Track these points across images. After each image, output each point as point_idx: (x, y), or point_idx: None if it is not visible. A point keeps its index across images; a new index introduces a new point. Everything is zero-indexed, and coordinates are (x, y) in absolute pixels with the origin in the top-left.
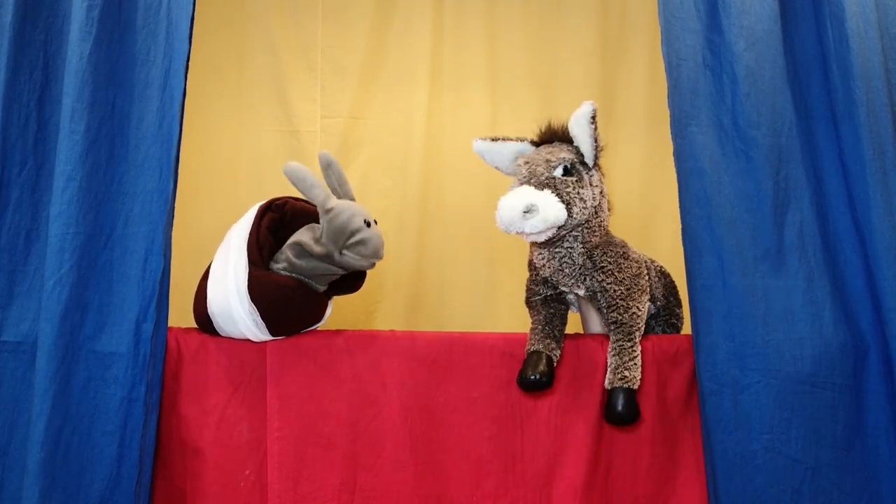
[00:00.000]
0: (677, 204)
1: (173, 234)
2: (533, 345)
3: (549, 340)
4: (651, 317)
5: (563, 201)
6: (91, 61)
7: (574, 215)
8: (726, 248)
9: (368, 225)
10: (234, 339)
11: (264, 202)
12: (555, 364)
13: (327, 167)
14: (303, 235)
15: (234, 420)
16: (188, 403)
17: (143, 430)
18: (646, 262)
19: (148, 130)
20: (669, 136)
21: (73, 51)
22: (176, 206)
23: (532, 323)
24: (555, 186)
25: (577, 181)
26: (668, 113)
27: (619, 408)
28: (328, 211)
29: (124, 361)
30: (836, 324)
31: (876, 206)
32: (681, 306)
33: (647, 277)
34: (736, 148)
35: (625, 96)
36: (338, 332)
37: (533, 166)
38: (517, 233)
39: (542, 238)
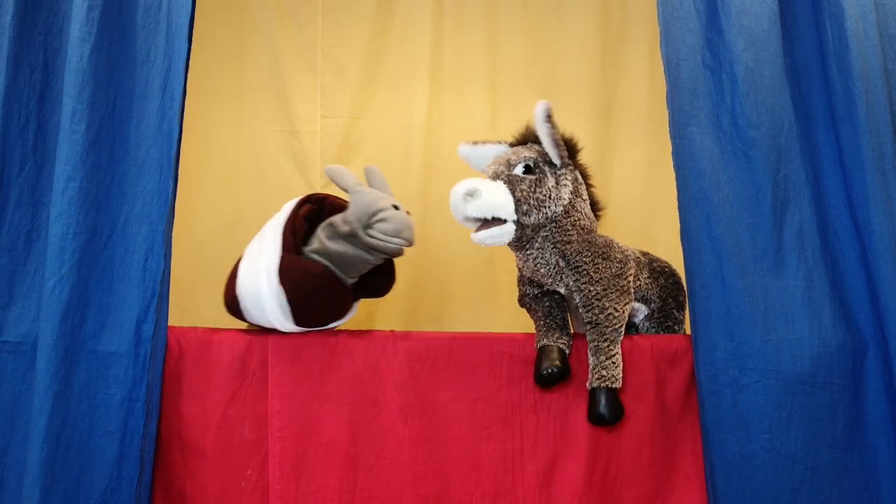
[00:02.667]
0: (677, 204)
1: (173, 234)
2: (540, 340)
3: (553, 332)
4: (645, 318)
5: (513, 196)
6: (91, 61)
7: (525, 213)
8: (725, 248)
9: (396, 208)
10: (235, 338)
11: (304, 196)
12: (567, 353)
13: (371, 175)
14: (335, 217)
15: (235, 420)
16: (189, 403)
17: (143, 430)
18: (641, 260)
19: (148, 130)
20: (669, 136)
21: (74, 51)
22: (176, 206)
23: (534, 321)
24: (509, 181)
25: (536, 180)
26: (667, 113)
27: (600, 408)
28: (356, 192)
29: (124, 361)
30: (835, 324)
31: (875, 206)
32: (682, 309)
33: (630, 278)
34: (735, 148)
35: (625, 96)
36: (338, 332)
37: (496, 165)
38: (463, 219)
39: (482, 220)
